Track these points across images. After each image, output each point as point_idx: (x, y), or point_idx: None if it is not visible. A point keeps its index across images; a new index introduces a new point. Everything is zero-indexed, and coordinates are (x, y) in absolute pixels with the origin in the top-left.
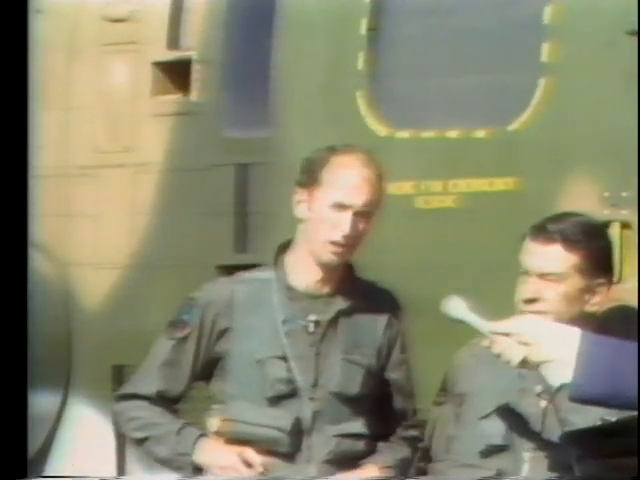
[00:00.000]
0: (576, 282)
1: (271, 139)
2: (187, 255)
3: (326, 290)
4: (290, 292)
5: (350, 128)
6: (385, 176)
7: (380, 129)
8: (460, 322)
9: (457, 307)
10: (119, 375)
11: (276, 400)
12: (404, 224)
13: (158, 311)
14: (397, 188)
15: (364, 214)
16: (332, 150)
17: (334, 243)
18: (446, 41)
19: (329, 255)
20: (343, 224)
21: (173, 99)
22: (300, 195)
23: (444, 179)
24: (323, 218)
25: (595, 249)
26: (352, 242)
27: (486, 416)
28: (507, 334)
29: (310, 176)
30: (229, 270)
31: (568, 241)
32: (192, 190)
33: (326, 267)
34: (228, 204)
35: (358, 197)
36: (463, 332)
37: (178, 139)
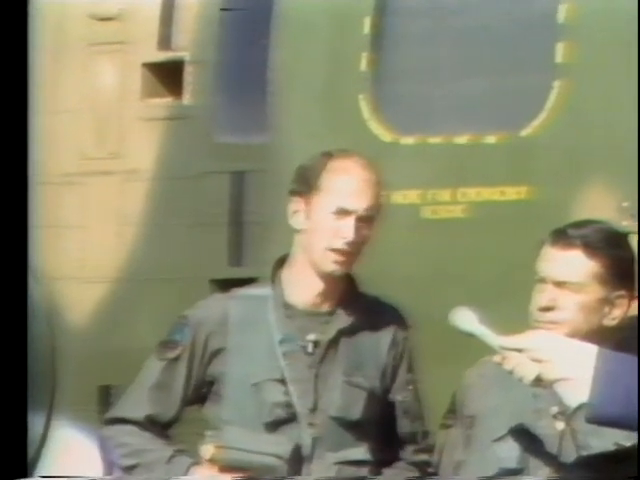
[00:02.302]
0: (595, 292)
1: (268, 145)
2: (179, 268)
3: (326, 307)
4: (288, 310)
5: (352, 133)
6: (384, 182)
7: (384, 134)
8: (470, 335)
9: (466, 319)
10: (106, 396)
11: (274, 426)
12: (409, 235)
13: (148, 328)
14: (402, 197)
15: (367, 219)
16: (328, 155)
17: (336, 251)
18: (454, 41)
19: (331, 264)
20: (346, 230)
21: (164, 102)
22: (296, 204)
23: (452, 188)
24: (323, 226)
25: (617, 258)
26: (355, 249)
27: (499, 439)
28: (520, 350)
29: (306, 183)
30: (223, 284)
31: (589, 247)
32: (184, 199)
33: (327, 279)
34: (222, 214)
35: (361, 201)
36: (472, 350)
37: (169, 145)
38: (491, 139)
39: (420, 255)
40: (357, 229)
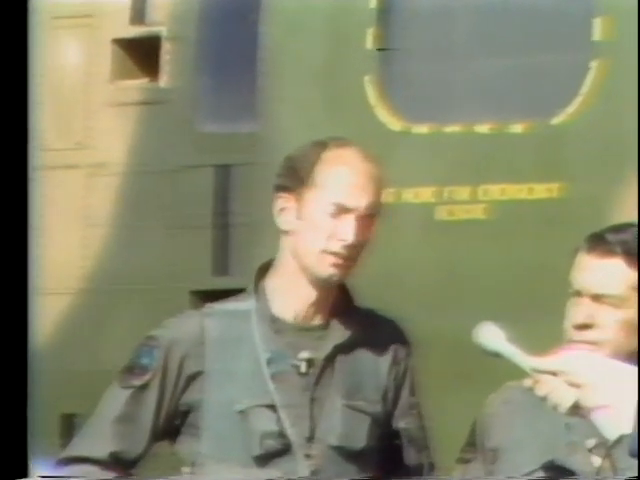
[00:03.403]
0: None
1: (258, 135)
2: (154, 278)
3: (319, 320)
4: (275, 324)
5: (356, 121)
6: (386, 177)
7: (393, 122)
8: (495, 355)
9: (492, 336)
10: (69, 426)
11: (265, 459)
12: (421, 239)
13: (118, 347)
14: (414, 195)
15: (368, 218)
16: (322, 145)
17: (334, 254)
18: (474, 15)
19: (328, 269)
20: (345, 230)
21: (138, 85)
22: (284, 201)
23: (472, 185)
24: (318, 225)
25: None
26: (354, 253)
27: (526, 475)
28: (555, 372)
29: (297, 177)
30: (206, 296)
31: (631, 255)
32: (161, 197)
33: (321, 287)
34: (205, 214)
35: (362, 198)
36: (495, 372)
37: (144, 134)
38: (517, 128)
39: (434, 262)
40: (357, 230)
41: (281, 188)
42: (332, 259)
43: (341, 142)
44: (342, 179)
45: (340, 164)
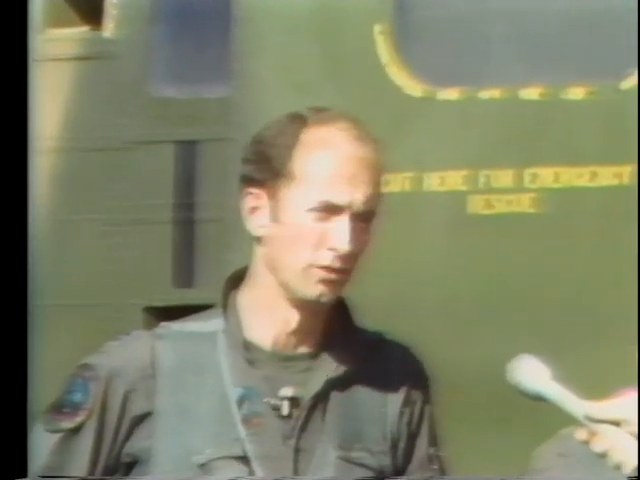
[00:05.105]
0: None
1: (231, 101)
2: (96, 290)
3: (306, 347)
4: (249, 352)
5: (363, 84)
6: (385, 160)
7: (412, 86)
8: (538, 398)
9: (532, 374)
10: None
11: None
12: (448, 241)
13: (52, 377)
14: (439, 181)
15: (365, 218)
16: (299, 120)
17: (323, 268)
18: None
19: (315, 287)
20: (336, 237)
21: (76, 35)
22: (255, 199)
23: (516, 168)
24: (300, 230)
25: None
26: (349, 264)
27: None
28: (616, 422)
29: (269, 167)
30: (164, 314)
31: None
32: (105, 183)
33: (307, 307)
34: (163, 207)
35: (356, 191)
36: (542, 414)
37: (81, 99)
38: (576, 93)
39: (463, 271)
40: (353, 234)
41: (250, 181)
42: (320, 274)
43: (325, 115)
44: (328, 168)
45: (326, 146)
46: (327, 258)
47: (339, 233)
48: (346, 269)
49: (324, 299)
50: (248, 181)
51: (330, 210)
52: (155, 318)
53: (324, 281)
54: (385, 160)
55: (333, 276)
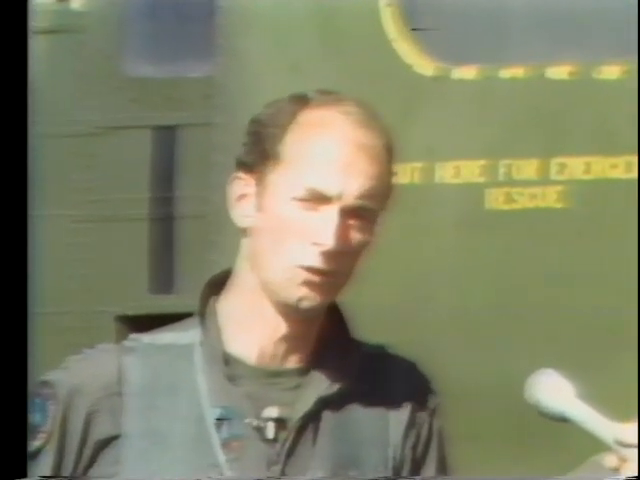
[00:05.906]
0: None
1: (215, 81)
2: (65, 296)
3: (295, 362)
4: (229, 367)
5: (368, 63)
6: (395, 145)
7: (423, 64)
8: (561, 419)
9: (555, 392)
10: None
11: None
12: (463, 239)
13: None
14: (454, 172)
15: (361, 212)
16: (301, 101)
17: (310, 270)
18: None
19: (297, 290)
20: (321, 230)
21: (40, 6)
22: (243, 185)
23: (542, 157)
24: (284, 221)
25: None
26: (338, 265)
27: None
28: None
29: (261, 147)
30: (140, 323)
31: None
32: (73, 174)
33: (293, 315)
34: (139, 201)
35: (350, 181)
36: (566, 438)
37: (46, 78)
38: (609, 72)
39: (480, 274)
40: (341, 229)
41: (240, 165)
42: (303, 275)
43: (331, 98)
44: (320, 152)
45: (320, 129)
46: (311, 256)
47: (324, 225)
48: (331, 271)
49: (305, 304)
50: (238, 165)
51: (317, 200)
52: (129, 328)
53: (306, 283)
54: (395, 152)
55: (316, 278)
